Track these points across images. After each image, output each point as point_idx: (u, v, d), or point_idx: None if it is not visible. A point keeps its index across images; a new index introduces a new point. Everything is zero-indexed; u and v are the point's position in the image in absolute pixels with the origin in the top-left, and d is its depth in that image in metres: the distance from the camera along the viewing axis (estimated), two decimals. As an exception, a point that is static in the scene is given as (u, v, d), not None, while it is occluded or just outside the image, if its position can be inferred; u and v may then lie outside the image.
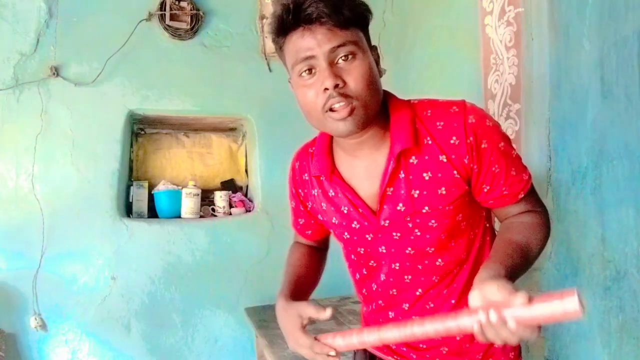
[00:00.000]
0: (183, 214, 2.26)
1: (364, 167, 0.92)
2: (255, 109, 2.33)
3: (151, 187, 2.31)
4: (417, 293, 0.96)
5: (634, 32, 1.10)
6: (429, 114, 0.88)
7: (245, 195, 2.51)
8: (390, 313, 1.01)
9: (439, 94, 1.94)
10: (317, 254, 1.20)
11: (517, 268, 0.79)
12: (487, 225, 0.98)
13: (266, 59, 2.33)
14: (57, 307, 1.99)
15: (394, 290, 0.99)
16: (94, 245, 2.05)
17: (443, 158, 0.86)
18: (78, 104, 2.06)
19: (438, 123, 0.87)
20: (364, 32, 0.87)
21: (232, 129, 2.54)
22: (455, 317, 0.70)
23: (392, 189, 0.89)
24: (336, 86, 0.80)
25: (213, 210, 2.34)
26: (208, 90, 2.25)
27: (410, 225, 0.90)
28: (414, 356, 1.02)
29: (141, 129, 2.38)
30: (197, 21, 2.23)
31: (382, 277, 0.99)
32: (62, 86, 2.03)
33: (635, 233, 1.11)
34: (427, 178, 0.87)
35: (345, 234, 1.00)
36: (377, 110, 0.87)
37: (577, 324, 1.28)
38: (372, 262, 1.00)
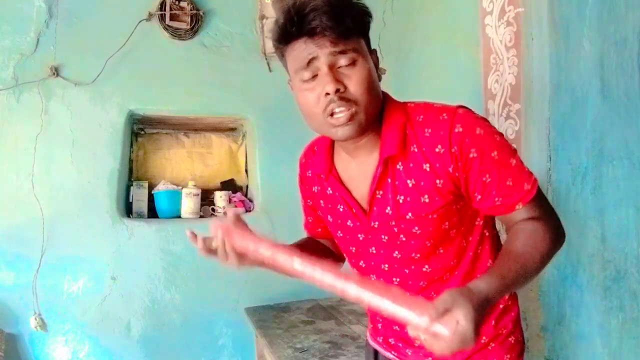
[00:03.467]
0: (183, 214, 2.26)
1: (359, 169, 0.94)
2: (255, 109, 2.33)
3: (151, 187, 2.31)
4: None
5: (634, 32, 1.10)
6: (420, 119, 0.88)
7: (245, 195, 2.51)
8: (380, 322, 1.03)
9: (439, 94, 1.93)
10: (327, 248, 1.17)
11: (514, 279, 0.78)
12: (487, 233, 0.96)
13: (266, 59, 2.33)
14: (57, 307, 1.99)
15: None
16: (94, 245, 2.05)
17: (427, 167, 0.86)
18: (78, 104, 2.06)
19: (426, 130, 0.87)
20: (365, 38, 0.89)
21: (232, 129, 2.54)
22: (406, 306, 0.67)
23: (381, 192, 0.91)
24: (337, 91, 0.82)
25: (213, 210, 2.34)
26: (208, 90, 2.25)
27: (395, 230, 0.91)
28: (409, 352, 1.03)
29: (141, 129, 2.38)
30: (197, 21, 2.23)
31: (373, 277, 1.00)
32: (62, 86, 2.03)
33: (635, 233, 1.11)
34: (410, 185, 0.88)
35: (339, 232, 1.02)
36: (377, 114, 0.89)
37: (577, 324, 1.29)
38: (362, 262, 1.02)
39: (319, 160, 1.00)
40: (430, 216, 0.88)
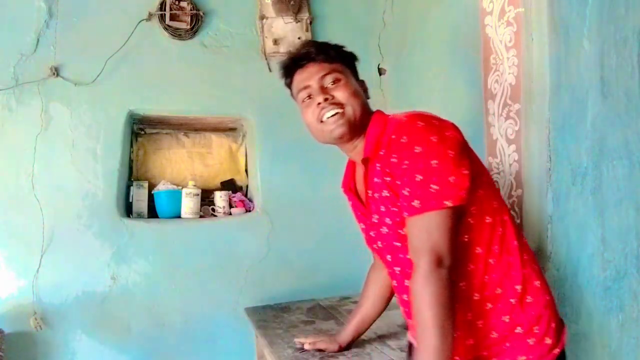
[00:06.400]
0: (183, 214, 2.26)
1: (361, 174, 1.12)
2: (255, 109, 2.33)
3: (151, 187, 2.31)
4: (406, 284, 1.05)
5: (634, 32, 1.10)
6: (386, 128, 1.04)
7: (245, 195, 2.51)
8: (402, 308, 1.15)
9: (439, 94, 1.94)
10: (383, 282, 1.38)
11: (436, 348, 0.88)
12: (471, 221, 0.98)
13: (266, 59, 2.33)
14: (57, 307, 1.99)
15: (394, 281, 1.13)
16: (94, 245, 2.05)
17: (378, 167, 1.03)
18: (78, 104, 2.06)
19: (385, 138, 1.03)
20: (351, 69, 1.14)
21: (232, 129, 2.54)
22: None
23: (371, 191, 1.07)
24: (326, 99, 1.06)
25: (213, 210, 2.34)
26: (208, 90, 2.25)
27: (380, 222, 1.07)
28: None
29: (141, 129, 2.38)
30: (197, 21, 2.23)
31: (387, 270, 1.16)
32: (62, 86, 2.03)
33: (635, 233, 1.11)
34: (376, 181, 1.05)
35: (366, 234, 1.21)
36: (364, 121, 1.08)
37: (577, 324, 1.29)
38: (387, 257, 1.14)
39: (344, 179, 1.24)
40: (392, 208, 1.01)
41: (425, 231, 0.91)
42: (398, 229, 1.01)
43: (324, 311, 2.04)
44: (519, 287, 0.99)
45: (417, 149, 0.93)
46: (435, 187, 0.90)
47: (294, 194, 2.33)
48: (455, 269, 0.93)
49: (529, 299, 1.00)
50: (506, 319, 0.98)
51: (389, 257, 1.11)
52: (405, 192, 0.94)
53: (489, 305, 0.99)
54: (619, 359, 1.18)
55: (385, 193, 1.01)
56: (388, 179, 0.99)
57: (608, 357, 1.20)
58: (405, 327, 1.75)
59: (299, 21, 2.35)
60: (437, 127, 0.96)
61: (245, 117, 2.37)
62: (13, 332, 1.92)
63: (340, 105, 1.05)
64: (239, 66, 2.30)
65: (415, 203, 0.91)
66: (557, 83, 1.33)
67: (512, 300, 0.99)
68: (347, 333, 1.49)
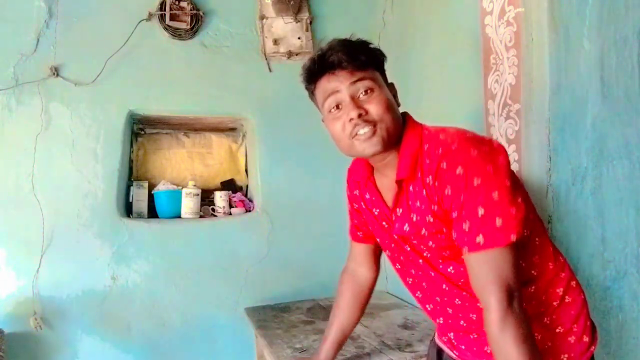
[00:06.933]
0: (183, 214, 2.26)
1: (388, 185, 1.06)
2: (255, 109, 2.33)
3: (151, 187, 2.31)
4: (437, 299, 1.06)
5: (634, 32, 1.10)
6: (425, 148, 0.97)
7: (245, 195, 2.51)
8: (428, 305, 1.12)
9: (439, 94, 1.94)
10: (359, 289, 1.35)
11: None
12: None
13: (266, 59, 2.33)
14: (57, 307, 1.99)
15: (419, 293, 1.10)
16: (94, 245, 2.05)
17: (424, 192, 0.96)
18: (78, 104, 2.06)
19: (427, 160, 0.96)
20: (380, 72, 1.04)
21: (232, 129, 2.54)
22: None
23: (400, 210, 1.02)
24: (359, 115, 0.96)
25: (213, 210, 2.34)
26: (208, 90, 2.25)
27: (415, 242, 1.01)
28: (469, 354, 1.07)
29: (141, 129, 2.38)
30: (197, 21, 2.23)
31: (409, 280, 1.11)
32: (62, 86, 2.03)
33: (635, 233, 1.11)
34: (418, 205, 0.98)
35: (378, 234, 1.15)
36: (398, 134, 1.00)
37: (577, 324, 1.28)
38: (397, 264, 1.12)
39: (360, 168, 1.15)
40: (439, 235, 0.96)
41: (492, 268, 0.86)
42: (442, 252, 0.98)
43: (324, 311, 2.04)
44: (560, 290, 1.00)
45: (476, 182, 0.87)
46: (500, 221, 0.86)
47: (294, 194, 2.33)
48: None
49: (567, 299, 1.00)
50: (547, 320, 0.99)
51: (413, 271, 1.08)
52: (465, 227, 0.88)
53: (533, 312, 0.99)
54: (619, 359, 1.18)
55: (429, 218, 0.96)
56: (435, 207, 0.94)
57: (608, 357, 1.20)
58: (405, 328, 1.75)
59: (299, 21, 2.35)
60: (489, 153, 0.90)
61: (245, 117, 2.37)
62: (13, 332, 1.92)
63: (376, 122, 0.96)
64: (239, 66, 2.30)
65: (480, 239, 0.86)
66: (557, 83, 1.33)
67: (554, 304, 1.00)
68: (328, 355, 1.35)
